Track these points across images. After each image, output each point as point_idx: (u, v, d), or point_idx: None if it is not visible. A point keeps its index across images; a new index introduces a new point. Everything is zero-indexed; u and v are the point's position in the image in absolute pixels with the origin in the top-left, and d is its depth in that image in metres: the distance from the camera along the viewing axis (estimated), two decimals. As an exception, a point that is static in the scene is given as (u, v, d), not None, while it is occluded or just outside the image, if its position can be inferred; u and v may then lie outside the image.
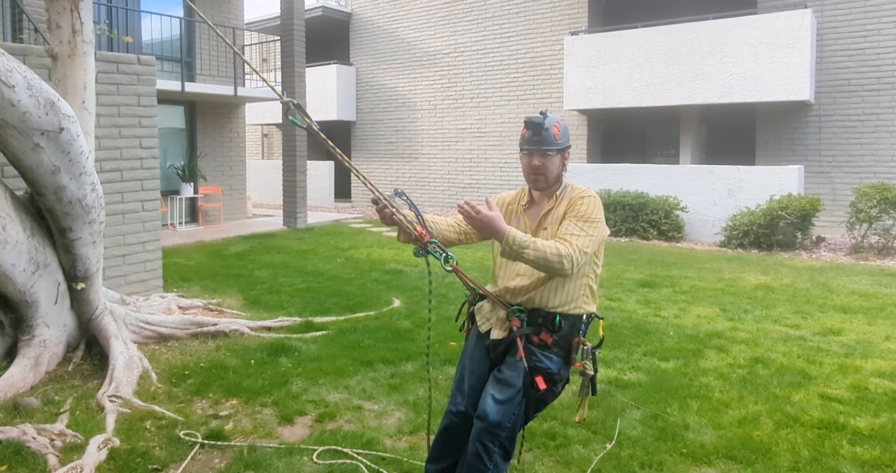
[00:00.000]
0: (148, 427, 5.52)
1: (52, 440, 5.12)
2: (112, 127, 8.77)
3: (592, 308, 3.91)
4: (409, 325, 8.59)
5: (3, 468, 4.73)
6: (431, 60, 24.32)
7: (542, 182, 3.88)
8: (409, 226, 3.66)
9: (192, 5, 4.07)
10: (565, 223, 3.72)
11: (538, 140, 3.81)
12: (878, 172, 17.06)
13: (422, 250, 3.70)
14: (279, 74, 19.36)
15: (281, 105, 3.55)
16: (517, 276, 3.86)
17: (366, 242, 16.02)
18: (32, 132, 5.76)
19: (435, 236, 3.75)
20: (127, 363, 6.53)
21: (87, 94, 7.12)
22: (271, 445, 5.20)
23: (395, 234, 3.85)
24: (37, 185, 6.11)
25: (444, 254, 3.66)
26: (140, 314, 7.75)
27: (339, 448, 5.10)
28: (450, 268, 3.66)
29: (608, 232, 3.87)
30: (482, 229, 3.56)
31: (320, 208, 24.56)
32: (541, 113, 3.85)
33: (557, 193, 3.88)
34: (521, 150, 3.91)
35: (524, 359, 3.74)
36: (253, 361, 7.13)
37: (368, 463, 4.90)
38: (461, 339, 4.29)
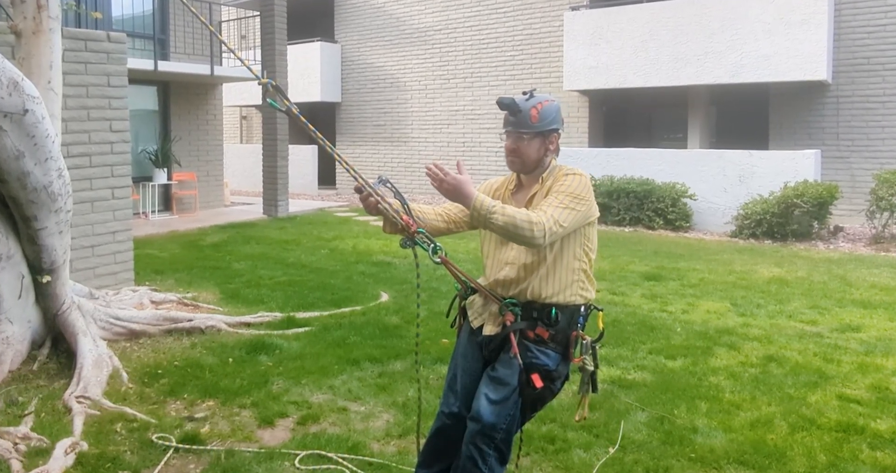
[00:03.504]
0: (118, 429, 5.51)
1: (15, 444, 5.11)
2: (80, 109, 8.75)
3: (591, 295, 3.92)
4: (397, 321, 8.60)
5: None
6: (422, 38, 24.27)
7: (518, 165, 3.91)
8: (395, 215, 3.67)
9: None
10: (546, 198, 3.74)
11: (513, 121, 3.85)
12: (899, 158, 17.10)
13: (409, 240, 3.71)
14: (259, 52, 19.27)
15: (260, 86, 3.55)
16: (506, 265, 3.87)
17: (352, 232, 16.02)
18: (-7, 114, 5.74)
19: (422, 226, 3.76)
20: (96, 361, 6.52)
21: (54, 73, 7.09)
22: (250, 449, 5.20)
23: (382, 223, 3.85)
24: (-2, 171, 6.10)
25: (432, 245, 3.68)
26: (110, 309, 7.74)
27: (323, 453, 5.11)
28: (438, 259, 3.67)
29: (597, 213, 3.87)
30: (449, 192, 3.57)
31: (303, 195, 24.53)
32: (524, 92, 3.88)
33: (544, 175, 3.89)
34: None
35: (519, 356, 3.75)
36: (231, 359, 7.13)
37: (354, 469, 4.91)
38: (453, 336, 4.29)
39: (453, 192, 3.56)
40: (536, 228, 3.50)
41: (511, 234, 3.54)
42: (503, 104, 3.83)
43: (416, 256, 3.79)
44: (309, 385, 6.48)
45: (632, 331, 8.24)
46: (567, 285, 3.81)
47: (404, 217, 3.69)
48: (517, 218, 3.50)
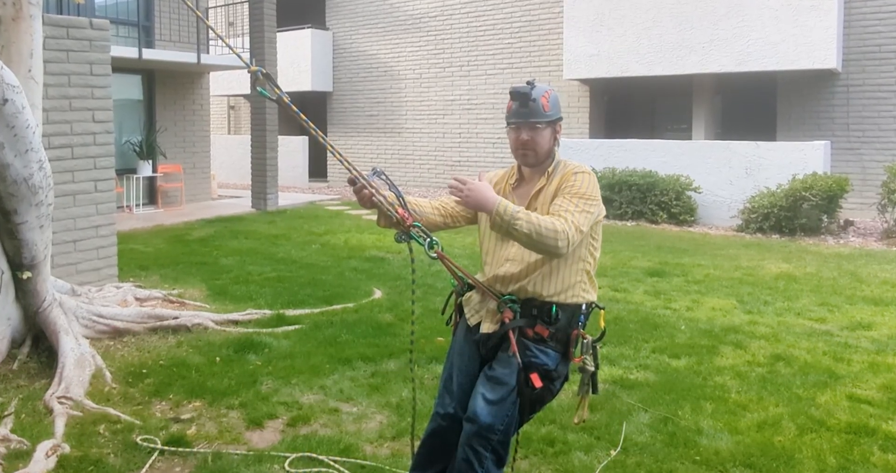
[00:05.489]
0: (101, 431, 5.51)
1: (-6, 446, 5.11)
2: (62, 98, 8.72)
3: (592, 297, 3.92)
4: (391, 318, 8.60)
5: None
6: (416, 25, 24.24)
7: (532, 157, 3.89)
8: (390, 208, 3.66)
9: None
10: (558, 200, 3.73)
11: (525, 112, 3.83)
12: (912, 149, 17.10)
13: (404, 234, 3.71)
14: (247, 39, 19.23)
15: (249, 75, 3.54)
16: (506, 261, 3.87)
17: (343, 226, 16.01)
18: (-30, 104, 5.73)
19: (418, 220, 3.75)
20: (78, 360, 6.51)
21: (34, 61, 7.07)
22: (238, 452, 5.19)
23: (375, 217, 3.85)
24: (-24, 163, 6.08)
25: (428, 239, 3.68)
26: (93, 307, 7.73)
27: (314, 455, 5.11)
28: (434, 254, 3.67)
29: (605, 212, 3.88)
30: (472, 199, 3.57)
31: (293, 188, 24.52)
32: (527, 82, 3.86)
33: (549, 169, 3.89)
34: (507, 124, 3.92)
35: (517, 354, 3.75)
36: (218, 358, 7.13)
37: (346, 472, 4.91)
38: (449, 334, 4.29)
39: (475, 198, 3.57)
40: (561, 237, 3.50)
41: (534, 242, 3.53)
42: (520, 94, 3.81)
43: (411, 250, 3.79)
44: (299, 385, 6.47)
45: (634, 329, 8.24)
46: (569, 285, 3.81)
47: (399, 210, 3.69)
48: (542, 226, 3.49)
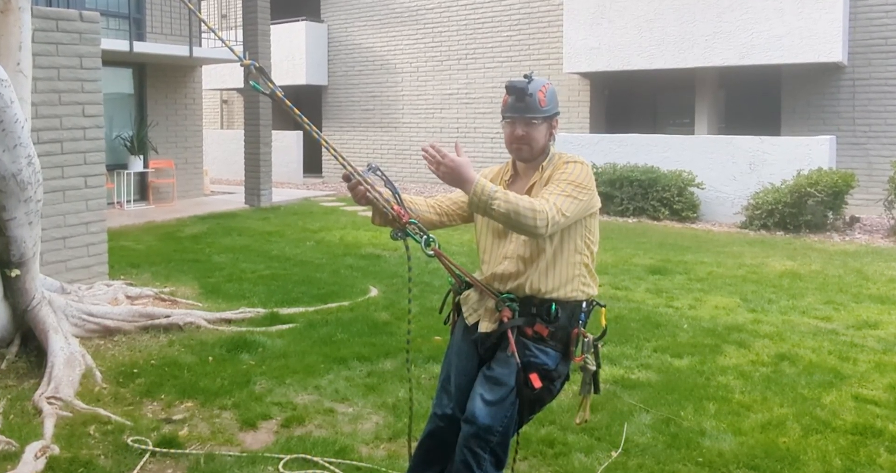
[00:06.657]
0: (91, 432, 5.50)
1: (-18, 448, 5.11)
2: (51, 92, 8.70)
3: (593, 291, 3.92)
4: (387, 317, 8.60)
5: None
6: (413, 17, 24.21)
7: (527, 153, 3.89)
8: (385, 205, 3.66)
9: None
10: (546, 186, 3.73)
11: (521, 107, 3.82)
12: (919, 144, 17.09)
13: (400, 232, 3.71)
14: (240, 32, 19.21)
15: (242, 68, 3.54)
16: (504, 259, 3.87)
17: (339, 222, 16.02)
18: (-43, 98, 5.72)
19: (414, 217, 3.75)
20: (68, 360, 6.50)
21: (23, 54, 7.06)
22: (231, 453, 5.19)
23: (370, 214, 3.84)
24: (-37, 158, 6.07)
25: (424, 236, 3.67)
26: (83, 305, 7.72)
27: (309, 457, 5.10)
28: (431, 252, 3.67)
29: (599, 204, 3.87)
30: (448, 175, 3.54)
31: (287, 184, 24.47)
32: (525, 76, 3.85)
33: (544, 163, 3.89)
34: (503, 118, 3.91)
35: (516, 354, 3.74)
36: (211, 358, 7.12)
37: (342, 474, 4.92)
38: (446, 333, 4.28)
39: (452, 175, 3.54)
40: (539, 216, 3.48)
41: (512, 222, 3.52)
42: (516, 88, 3.80)
43: (407, 248, 3.78)
44: (293, 385, 6.47)
45: (636, 328, 8.25)
46: (568, 279, 3.81)
47: (395, 207, 3.68)
48: (520, 205, 3.48)
